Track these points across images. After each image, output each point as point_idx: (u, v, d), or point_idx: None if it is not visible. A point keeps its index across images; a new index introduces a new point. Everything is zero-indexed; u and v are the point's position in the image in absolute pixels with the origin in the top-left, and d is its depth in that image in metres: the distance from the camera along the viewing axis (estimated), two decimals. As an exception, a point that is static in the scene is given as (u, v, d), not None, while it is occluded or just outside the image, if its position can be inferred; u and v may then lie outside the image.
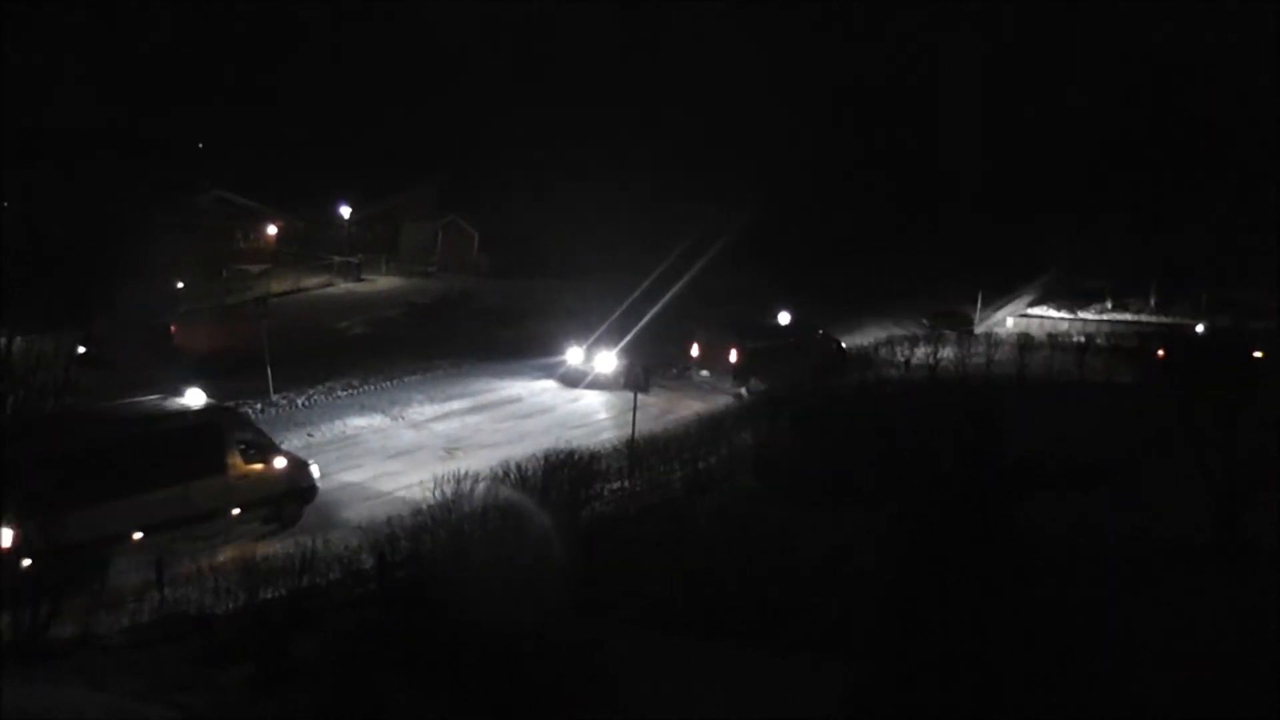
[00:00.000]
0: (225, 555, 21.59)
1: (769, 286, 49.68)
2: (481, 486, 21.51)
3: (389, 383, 35.83)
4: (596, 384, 36.26)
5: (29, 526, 19.24)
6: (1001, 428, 21.88)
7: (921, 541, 18.18)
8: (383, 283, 62.68)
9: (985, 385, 37.43)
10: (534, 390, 36.52)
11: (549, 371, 38.28)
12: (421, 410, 33.29)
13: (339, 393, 34.07)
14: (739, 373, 37.22)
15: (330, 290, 60.10)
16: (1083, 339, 45.33)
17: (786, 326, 41.72)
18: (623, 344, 37.19)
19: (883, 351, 41.48)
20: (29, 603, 16.91)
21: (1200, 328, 43.28)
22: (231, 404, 28.20)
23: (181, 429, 23.09)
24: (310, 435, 30.38)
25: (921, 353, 40.88)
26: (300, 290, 58.50)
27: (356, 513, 24.51)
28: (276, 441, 25.93)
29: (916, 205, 63.21)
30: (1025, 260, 57.25)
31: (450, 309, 51.89)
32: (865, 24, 75.19)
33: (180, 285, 51.25)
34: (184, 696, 15.47)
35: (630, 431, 26.81)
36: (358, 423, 31.77)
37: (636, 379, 28.39)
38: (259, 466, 23.72)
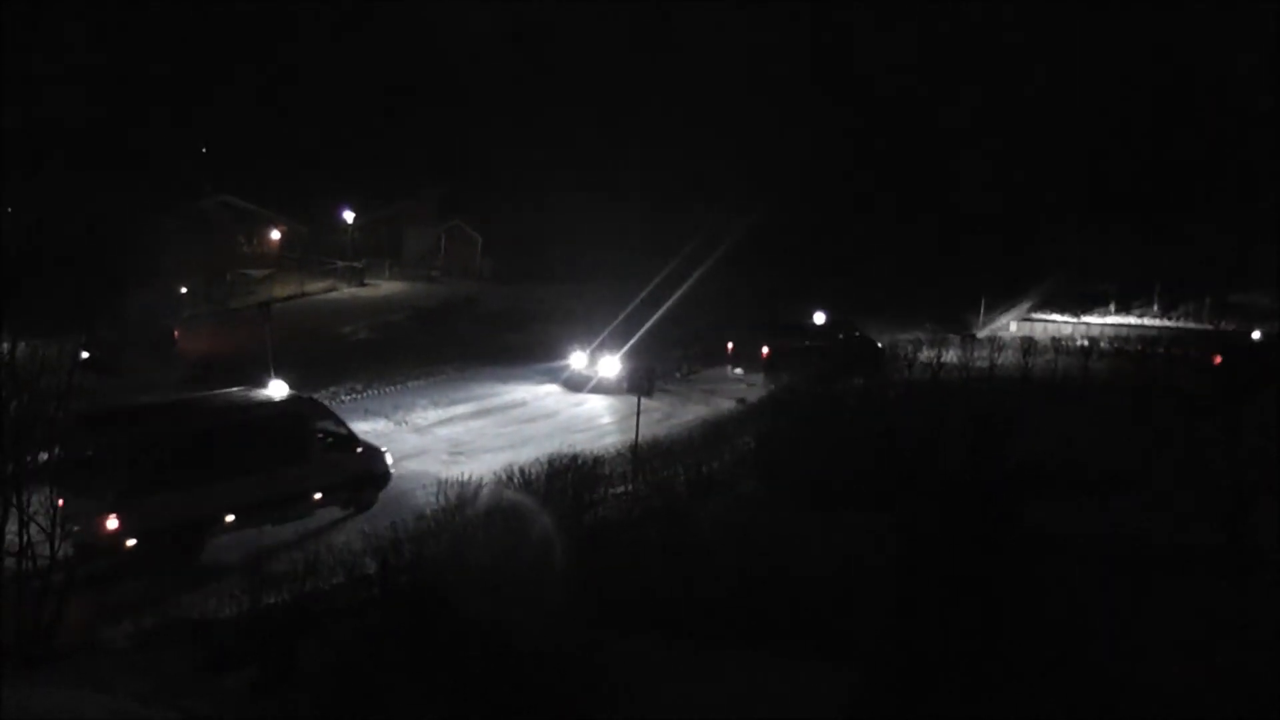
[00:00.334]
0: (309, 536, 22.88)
1: (769, 290, 49.76)
2: (485, 491, 21.58)
3: (393, 387, 35.89)
4: (600, 388, 36.31)
5: (132, 509, 20.88)
6: (1006, 431, 21.89)
7: (926, 545, 18.17)
8: (386, 287, 62.82)
9: (989, 389, 37.41)
10: (538, 395, 36.55)
11: (553, 376, 38.32)
12: (425, 415, 33.32)
13: (343, 397, 34.10)
14: (769, 370, 37.90)
15: (334, 295, 60.25)
16: (1086, 343, 45.31)
17: (820, 326, 42.64)
18: (626, 348, 37.23)
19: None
20: (31, 605, 16.93)
21: (1257, 334, 43.33)
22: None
23: (269, 417, 24.46)
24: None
25: (925, 356, 40.96)
26: (304, 295, 58.66)
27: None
28: None
29: (919, 210, 63.14)
30: (1029, 264, 57.23)
31: (454, 314, 52.05)
32: (866, 27, 75.17)
33: (184, 290, 51.39)
34: (187, 700, 15.48)
35: (634, 435, 26.81)
36: (362, 427, 31.64)
37: (640, 383, 28.42)
38: (338, 454, 25.00)
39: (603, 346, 37.55)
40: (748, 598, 17.80)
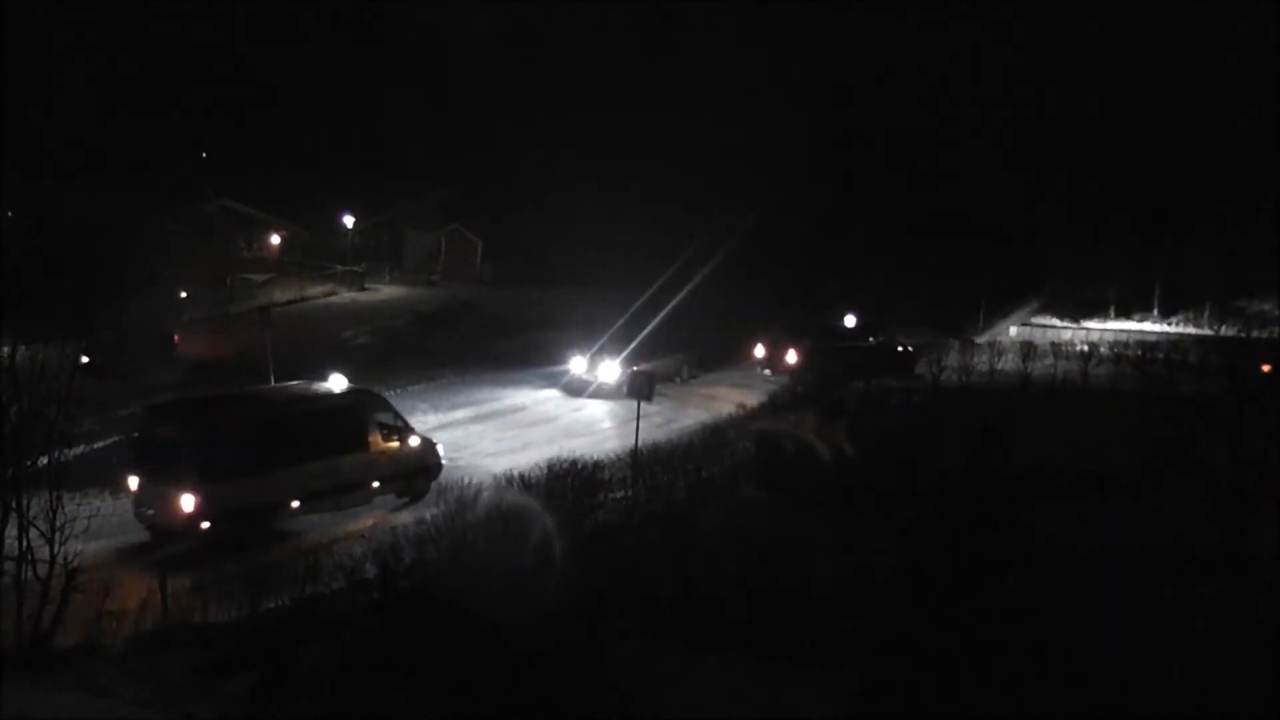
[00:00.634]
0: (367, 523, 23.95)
1: (769, 294, 49.73)
2: (485, 495, 21.59)
3: (392, 392, 35.75)
4: (600, 393, 36.27)
5: (208, 493, 21.96)
6: (1006, 436, 21.89)
7: (926, 549, 18.16)
8: (386, 292, 62.79)
9: (989, 393, 37.42)
10: (538, 399, 36.51)
11: (553, 381, 38.28)
12: (425, 419, 33.22)
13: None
14: (795, 371, 38.40)
15: (334, 299, 60.24)
16: (1086, 348, 45.30)
17: (852, 329, 43.12)
18: (626, 353, 37.19)
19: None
20: (31, 610, 16.91)
21: None
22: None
23: (331, 408, 25.68)
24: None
25: (926, 360, 41.05)
26: (304, 299, 58.66)
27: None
28: None
29: (919, 214, 63.11)
30: (1028, 269, 57.22)
31: (454, 318, 51.99)
32: (866, 31, 75.17)
33: (184, 294, 51.36)
34: (187, 705, 15.47)
35: (634, 440, 26.80)
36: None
37: (640, 388, 28.38)
38: (395, 444, 25.99)
39: (603, 351, 37.50)
40: (748, 602, 17.81)
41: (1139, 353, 43.57)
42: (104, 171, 56.25)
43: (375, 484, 25.36)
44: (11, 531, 17.32)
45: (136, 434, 24.83)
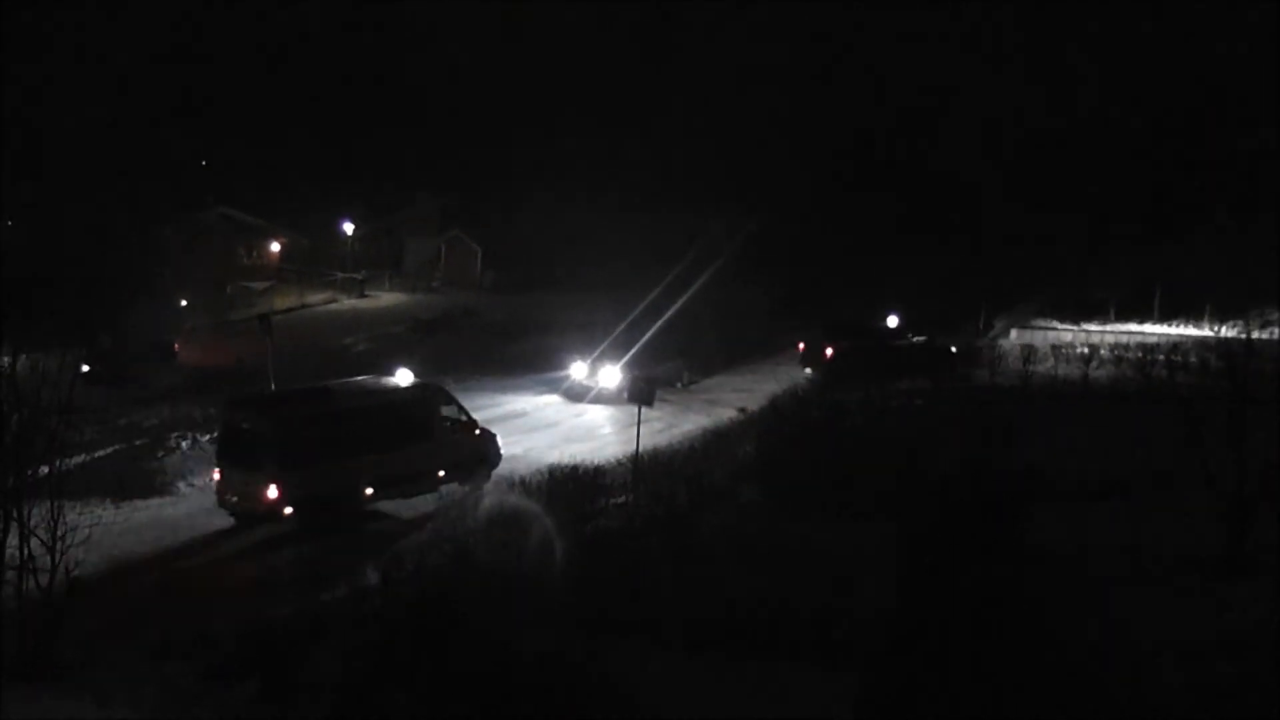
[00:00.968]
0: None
1: (768, 298, 49.75)
2: (487, 501, 21.62)
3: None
4: (601, 398, 36.28)
5: (290, 480, 23.43)
6: (1007, 438, 21.89)
7: (927, 554, 18.15)
8: (386, 299, 62.89)
9: (990, 396, 37.37)
10: (538, 405, 36.52)
11: (553, 386, 38.29)
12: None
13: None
14: (834, 371, 38.59)
15: (334, 306, 60.33)
16: (1086, 350, 45.24)
17: (892, 329, 43.60)
18: (627, 358, 37.19)
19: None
20: (32, 618, 16.90)
21: None
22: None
23: (401, 401, 26.97)
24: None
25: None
26: (304, 307, 58.77)
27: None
28: None
29: (920, 218, 63.13)
30: (1028, 272, 57.17)
31: (454, 324, 52.06)
32: (867, 31, 75.28)
33: (184, 302, 51.45)
34: (190, 712, 15.46)
35: (634, 445, 26.80)
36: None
37: (641, 393, 28.38)
38: (459, 435, 27.48)
39: (603, 357, 37.51)
40: (749, 606, 17.78)
41: (1140, 355, 43.48)
42: (104, 181, 56.30)
43: (440, 473, 26.54)
44: (13, 541, 17.30)
45: (219, 427, 26.46)
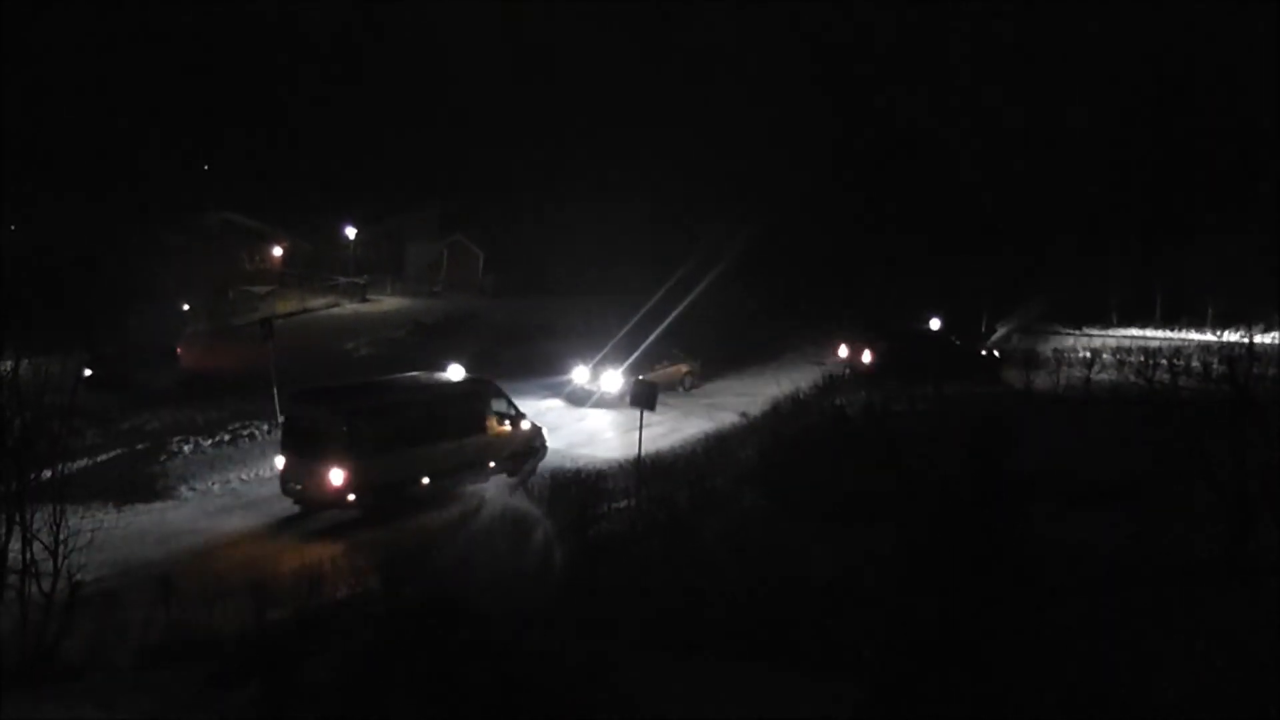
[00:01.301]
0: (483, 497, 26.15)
1: (770, 301, 49.74)
2: (489, 505, 21.64)
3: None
4: (603, 403, 36.28)
5: (354, 468, 24.62)
6: (1008, 442, 21.82)
7: (928, 558, 18.13)
8: (388, 303, 62.93)
9: (991, 399, 37.34)
10: (540, 409, 36.47)
11: (555, 390, 38.28)
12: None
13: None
14: (872, 371, 39.06)
15: (336, 311, 60.35)
16: (1088, 354, 45.25)
17: (935, 332, 44.12)
18: (629, 362, 37.19)
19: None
20: (34, 624, 16.91)
21: None
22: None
23: (455, 395, 28.29)
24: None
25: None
26: (306, 311, 58.79)
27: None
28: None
29: (920, 221, 63.12)
30: (1030, 276, 57.17)
31: (456, 329, 52.05)
32: (866, 33, 75.34)
33: (186, 306, 51.47)
34: (192, 717, 15.45)
35: (636, 450, 26.82)
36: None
37: (643, 397, 28.36)
38: (508, 428, 28.55)
39: (605, 361, 37.50)
40: (750, 610, 17.77)
41: (1141, 358, 43.47)
42: (106, 185, 56.41)
43: (491, 464, 27.82)
44: (15, 545, 17.32)
45: (283, 418, 27.74)
